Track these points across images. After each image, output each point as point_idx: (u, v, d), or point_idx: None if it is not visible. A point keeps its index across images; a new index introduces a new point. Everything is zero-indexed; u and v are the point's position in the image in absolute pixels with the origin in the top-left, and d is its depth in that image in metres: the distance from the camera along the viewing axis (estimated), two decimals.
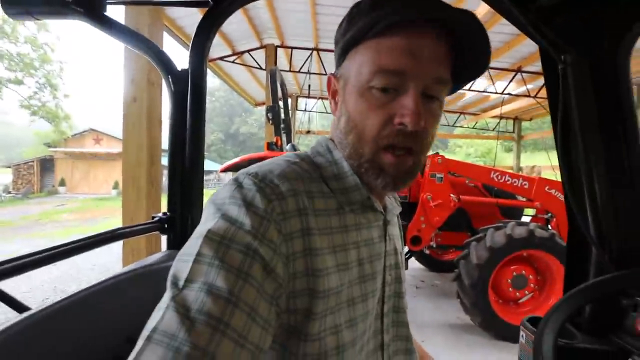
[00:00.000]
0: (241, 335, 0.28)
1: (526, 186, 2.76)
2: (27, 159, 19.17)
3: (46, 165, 18.59)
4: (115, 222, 8.25)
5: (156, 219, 0.86)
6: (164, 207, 1.01)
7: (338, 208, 0.43)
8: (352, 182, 0.44)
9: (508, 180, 2.77)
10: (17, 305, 0.54)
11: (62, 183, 17.98)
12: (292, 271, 0.35)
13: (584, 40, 0.59)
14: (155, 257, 0.75)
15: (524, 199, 2.94)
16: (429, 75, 0.40)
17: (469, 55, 0.42)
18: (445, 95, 0.44)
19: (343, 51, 0.44)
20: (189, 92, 0.81)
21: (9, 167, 20.03)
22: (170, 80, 0.79)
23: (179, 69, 0.80)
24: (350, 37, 0.42)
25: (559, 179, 0.74)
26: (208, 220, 0.34)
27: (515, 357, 0.73)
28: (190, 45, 0.81)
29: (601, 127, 0.60)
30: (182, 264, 0.31)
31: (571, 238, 0.71)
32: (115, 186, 16.51)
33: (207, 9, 0.80)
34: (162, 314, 0.28)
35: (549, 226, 2.78)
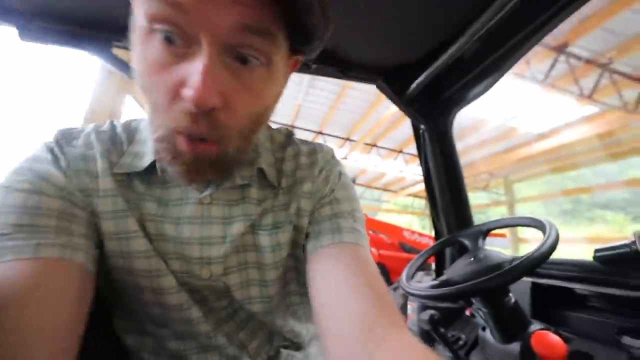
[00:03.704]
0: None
1: (430, 244, 3.33)
2: None
3: None
4: None
5: None
6: None
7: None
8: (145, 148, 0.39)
9: (417, 238, 3.31)
10: None
11: None
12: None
13: (431, 117, 1.06)
14: None
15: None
16: (228, 21, 0.27)
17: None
18: (280, 55, 0.31)
19: None
20: None
21: None
22: None
23: None
24: None
25: None
26: None
27: None
28: None
29: (444, 166, 1.04)
30: None
31: (436, 237, 1.09)
32: None
33: None
34: None
35: None
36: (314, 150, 0.48)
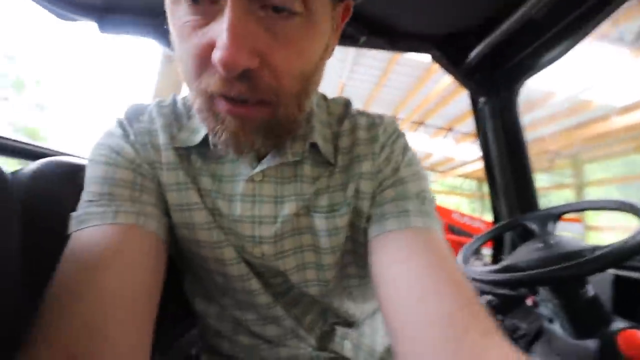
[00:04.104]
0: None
1: (482, 227, 3.13)
2: None
3: None
4: None
5: None
6: None
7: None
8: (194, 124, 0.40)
9: (467, 221, 3.14)
10: None
11: None
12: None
13: (493, 88, 0.95)
14: None
15: None
16: None
17: None
18: (319, 1, 0.28)
19: None
20: None
21: None
22: None
23: None
24: None
25: None
26: None
27: None
28: None
29: (507, 144, 0.94)
30: None
31: (495, 220, 1.01)
32: None
33: None
34: None
35: None
36: (374, 123, 0.43)
